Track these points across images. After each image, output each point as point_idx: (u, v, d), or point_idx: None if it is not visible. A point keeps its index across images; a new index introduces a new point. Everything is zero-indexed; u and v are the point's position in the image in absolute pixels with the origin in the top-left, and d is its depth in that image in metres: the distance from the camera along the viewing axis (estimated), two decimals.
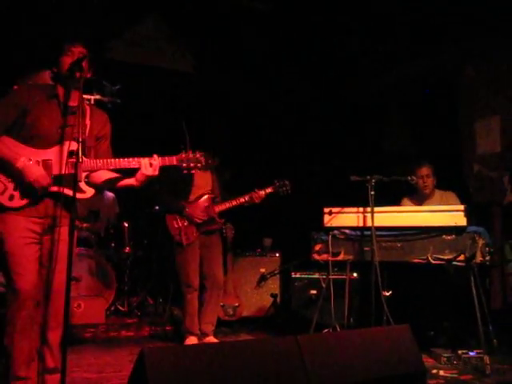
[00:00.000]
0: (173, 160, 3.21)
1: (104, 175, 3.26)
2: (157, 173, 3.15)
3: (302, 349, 2.75)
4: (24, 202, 3.06)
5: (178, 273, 4.90)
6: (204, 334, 4.90)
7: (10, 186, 3.06)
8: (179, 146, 4.68)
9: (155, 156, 3.15)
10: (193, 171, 3.27)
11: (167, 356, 2.45)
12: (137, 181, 3.18)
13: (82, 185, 3.17)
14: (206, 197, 4.95)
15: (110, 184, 3.28)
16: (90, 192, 3.21)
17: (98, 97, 6.52)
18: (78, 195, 3.02)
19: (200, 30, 6.23)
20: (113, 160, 3.15)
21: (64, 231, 3.06)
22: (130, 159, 3.12)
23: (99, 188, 3.31)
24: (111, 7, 5.74)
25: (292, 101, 6.88)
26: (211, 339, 4.88)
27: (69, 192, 2.94)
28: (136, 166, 3.13)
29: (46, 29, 5.83)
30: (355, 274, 5.13)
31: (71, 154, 2.93)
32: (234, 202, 4.95)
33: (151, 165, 3.12)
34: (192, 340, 4.81)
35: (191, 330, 4.84)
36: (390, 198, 4.85)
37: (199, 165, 3.24)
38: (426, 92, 6.61)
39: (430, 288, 4.75)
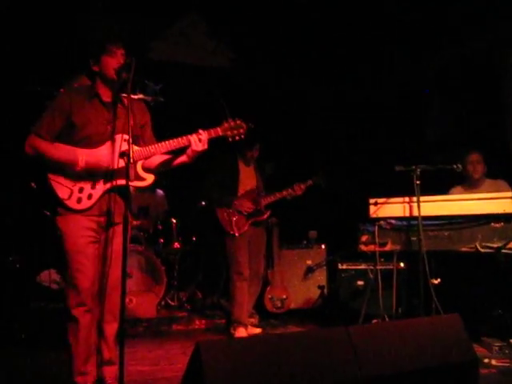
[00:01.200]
0: (218, 131, 3.30)
1: (157, 159, 3.37)
2: (206, 146, 3.23)
3: (353, 339, 2.78)
4: (92, 202, 3.19)
5: (229, 262, 5.09)
6: (248, 322, 5.15)
7: (75, 188, 3.18)
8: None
9: (201, 131, 3.24)
10: (237, 138, 3.33)
11: (222, 349, 2.51)
12: (188, 157, 3.28)
13: (141, 172, 3.31)
14: (252, 191, 5.20)
15: (165, 166, 3.38)
16: (150, 178, 3.35)
17: (141, 96, 6.66)
18: (139, 183, 3.23)
19: (237, 23, 6.26)
20: (163, 143, 3.26)
21: (118, 228, 3.18)
22: (179, 139, 3.23)
23: (156, 172, 3.41)
24: (150, 8, 5.82)
25: (332, 91, 6.85)
26: (249, 329, 5.12)
27: (127, 184, 3.03)
28: (186, 144, 3.23)
29: (90, 30, 5.98)
30: (402, 264, 5.12)
31: (123, 154, 3.02)
32: (279, 195, 5.22)
33: (200, 140, 3.21)
34: (241, 331, 4.94)
35: (240, 320, 4.98)
36: (438, 186, 4.80)
37: (242, 130, 3.33)
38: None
39: (479, 277, 4.69)
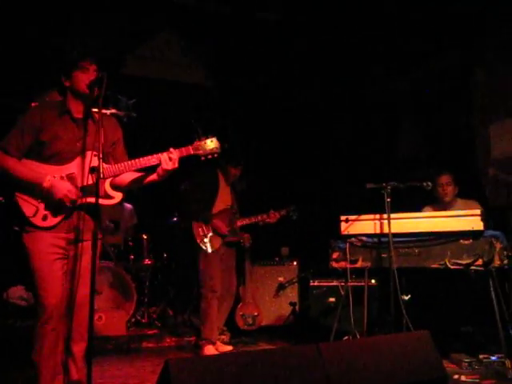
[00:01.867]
0: (189, 150, 3.24)
1: (128, 177, 3.32)
2: (177, 165, 3.18)
3: (324, 356, 2.79)
4: (58, 219, 3.13)
5: (202, 278, 5.05)
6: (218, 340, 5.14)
7: (41, 206, 3.12)
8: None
9: (172, 149, 3.19)
10: (210, 157, 3.28)
11: (191, 366, 2.49)
12: (158, 176, 3.22)
13: (109, 190, 3.25)
14: (227, 209, 5.26)
15: (135, 184, 3.33)
16: (118, 197, 3.30)
17: (113, 111, 6.63)
18: (107, 201, 3.17)
19: (212, 41, 6.30)
20: (133, 161, 3.21)
21: (87, 244, 3.13)
22: (149, 157, 3.17)
23: (125, 190, 3.37)
24: (125, 23, 5.82)
25: (304, 108, 6.91)
26: (220, 346, 5.09)
27: (97, 201, 2.98)
28: (156, 163, 3.18)
29: (61, 44, 5.94)
30: (373, 281, 5.17)
31: (92, 170, 2.99)
32: (254, 219, 5.38)
33: (170, 159, 3.16)
34: (210, 349, 4.89)
35: (209, 338, 4.94)
36: (409, 203, 4.85)
37: (215, 149, 3.26)
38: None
39: (449, 293, 4.75)
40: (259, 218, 5.38)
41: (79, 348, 3.20)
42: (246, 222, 5.35)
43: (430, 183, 4.73)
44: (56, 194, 3.07)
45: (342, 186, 6.59)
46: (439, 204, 5.15)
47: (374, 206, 4.46)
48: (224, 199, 5.27)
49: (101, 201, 2.98)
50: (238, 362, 2.58)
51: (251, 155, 6.36)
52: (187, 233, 5.12)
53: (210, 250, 5.02)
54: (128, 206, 6.66)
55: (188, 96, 6.65)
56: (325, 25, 6.31)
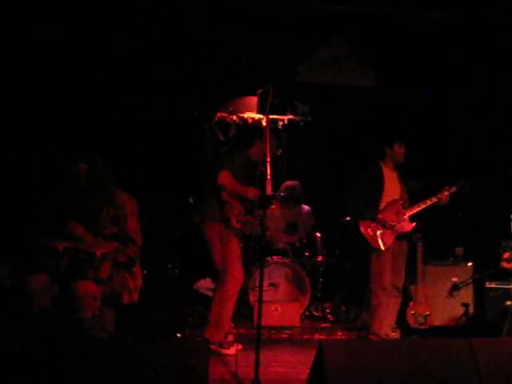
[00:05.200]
0: None
1: None
2: None
3: (477, 351, 2.83)
4: None
5: (373, 277, 5.15)
6: (386, 336, 5.14)
7: None
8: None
9: None
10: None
11: (343, 349, 2.74)
12: None
13: None
14: (395, 201, 5.18)
15: None
16: None
17: (291, 117, 7.09)
18: None
19: (380, 43, 6.40)
20: None
21: None
22: None
23: None
24: (296, 33, 6.20)
25: (475, 107, 6.66)
26: None
27: None
28: None
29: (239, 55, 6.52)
30: None
31: None
32: (423, 205, 5.15)
33: None
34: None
35: (377, 332, 5.05)
36: None
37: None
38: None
39: None
40: (428, 201, 5.13)
41: None
42: (415, 210, 5.15)
43: None
44: None
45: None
46: None
47: None
48: (391, 191, 5.19)
49: None
50: (389, 348, 2.76)
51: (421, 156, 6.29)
52: (357, 231, 5.19)
53: (382, 248, 5.04)
54: (306, 207, 7.01)
55: (359, 99, 6.84)
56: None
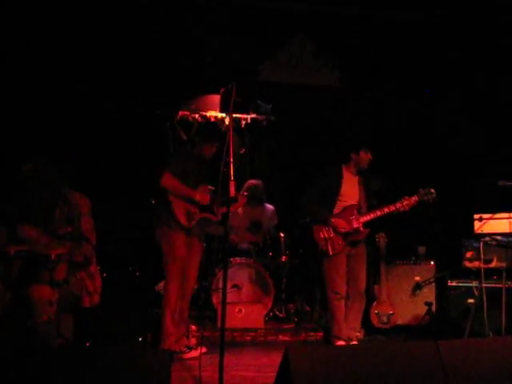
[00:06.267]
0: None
1: None
2: None
3: (443, 353, 2.81)
4: None
5: (325, 281, 5.07)
6: (349, 339, 5.01)
7: None
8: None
9: None
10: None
11: (309, 354, 2.67)
12: None
13: None
14: (352, 208, 5.05)
15: None
16: None
17: (253, 116, 7.02)
18: None
19: (345, 43, 6.39)
20: None
21: None
22: None
23: None
24: (259, 32, 6.14)
25: (443, 108, 6.73)
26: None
27: None
28: None
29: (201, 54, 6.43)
30: None
31: None
32: (379, 213, 4.98)
33: None
34: (340, 343, 4.94)
35: (339, 335, 4.98)
36: None
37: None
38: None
39: None
40: (385, 209, 4.93)
41: None
42: (369, 217, 4.96)
43: None
44: None
45: (475, 182, 6.33)
46: None
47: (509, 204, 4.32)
48: (348, 194, 5.07)
49: None
50: (354, 353, 2.71)
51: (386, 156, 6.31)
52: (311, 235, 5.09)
53: (330, 253, 4.94)
54: (269, 206, 6.93)
55: (322, 99, 6.81)
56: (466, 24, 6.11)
